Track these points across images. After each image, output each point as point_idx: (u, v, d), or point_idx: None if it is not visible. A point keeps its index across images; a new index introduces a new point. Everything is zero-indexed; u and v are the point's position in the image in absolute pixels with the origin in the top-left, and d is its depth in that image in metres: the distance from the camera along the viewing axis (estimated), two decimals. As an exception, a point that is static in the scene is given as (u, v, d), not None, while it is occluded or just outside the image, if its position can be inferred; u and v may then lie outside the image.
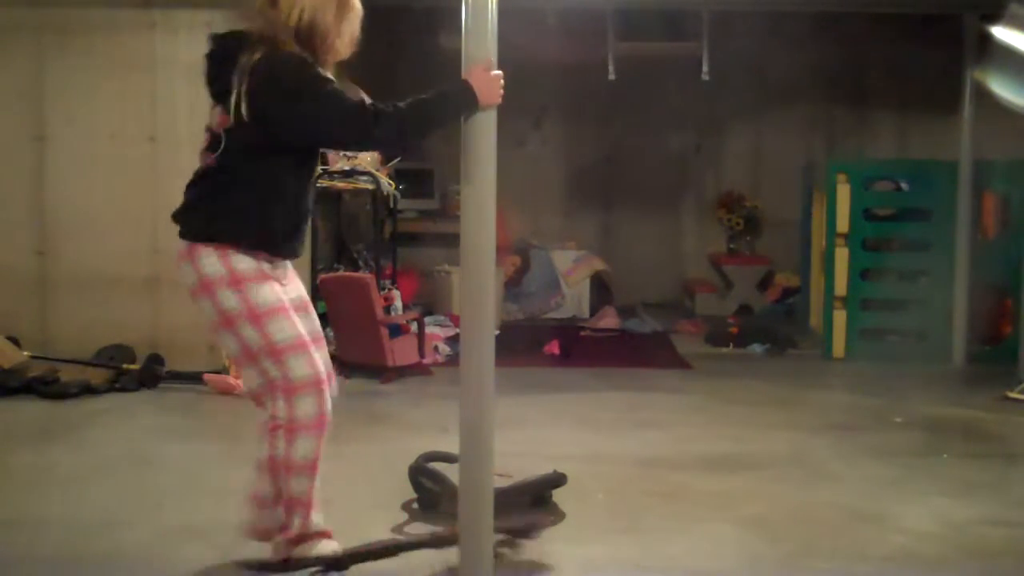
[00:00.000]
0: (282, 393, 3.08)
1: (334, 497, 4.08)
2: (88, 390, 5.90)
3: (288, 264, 3.27)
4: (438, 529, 3.49)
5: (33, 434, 5.19)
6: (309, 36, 3.21)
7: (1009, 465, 4.81)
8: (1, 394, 5.83)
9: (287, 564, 3.18)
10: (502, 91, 3.01)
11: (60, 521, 3.78)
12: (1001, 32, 6.12)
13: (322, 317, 6.73)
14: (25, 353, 6.14)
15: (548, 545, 3.58)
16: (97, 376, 6.06)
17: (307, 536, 3.17)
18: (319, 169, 3.16)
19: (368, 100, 3.14)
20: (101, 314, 6.54)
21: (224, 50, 3.30)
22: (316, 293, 6.72)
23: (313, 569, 3.19)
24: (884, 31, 8.90)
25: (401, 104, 3.03)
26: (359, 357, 6.56)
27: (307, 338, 3.15)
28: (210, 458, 4.69)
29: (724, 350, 7.83)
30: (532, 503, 3.90)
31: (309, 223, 3.23)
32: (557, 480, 3.96)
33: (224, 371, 6.21)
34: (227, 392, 6.00)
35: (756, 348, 7.74)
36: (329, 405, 3.15)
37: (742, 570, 3.41)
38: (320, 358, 3.18)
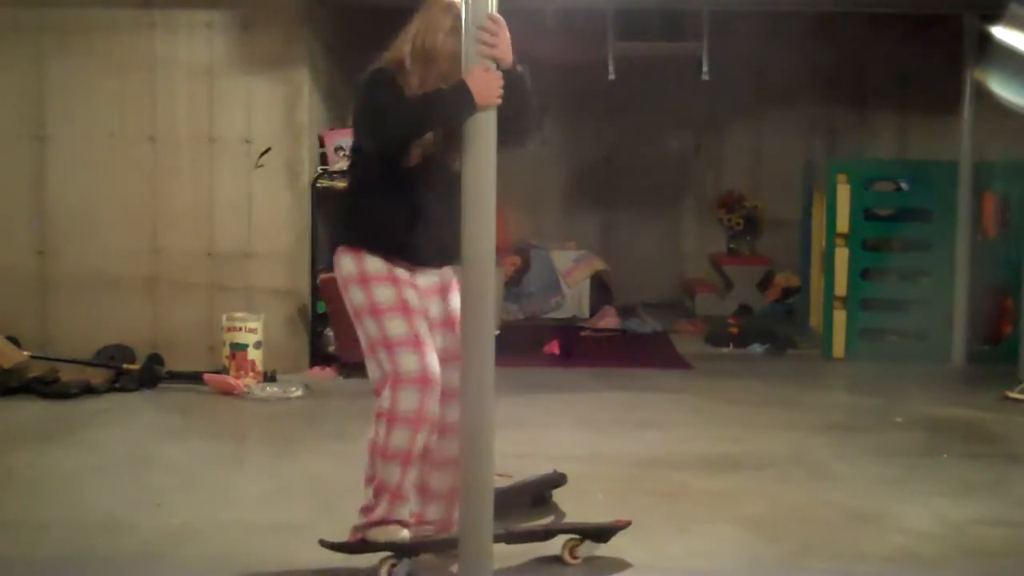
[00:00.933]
0: (390, 383, 3.25)
1: (334, 497, 4.09)
2: (88, 390, 5.90)
3: (437, 274, 3.39)
4: (509, 525, 3.50)
5: (33, 434, 5.19)
6: (423, 59, 3.27)
7: (1009, 465, 4.80)
8: (1, 394, 5.83)
9: (362, 545, 3.29)
10: (502, 92, 3.01)
11: (60, 521, 3.78)
12: (1001, 32, 6.12)
13: (322, 317, 6.77)
14: (25, 353, 6.14)
15: (548, 545, 3.57)
16: (97, 376, 6.06)
17: (387, 522, 3.28)
18: (449, 176, 3.20)
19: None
20: (101, 314, 6.54)
21: None
22: (316, 293, 6.72)
23: (384, 554, 3.25)
24: (884, 31, 8.89)
25: (404, 103, 3.15)
26: (359, 357, 6.53)
27: (424, 339, 3.25)
28: (210, 458, 4.69)
29: (724, 350, 7.83)
30: (532, 503, 3.91)
31: (445, 230, 3.18)
32: (557, 480, 3.96)
33: (224, 371, 6.21)
34: (227, 392, 6.00)
35: (756, 348, 7.74)
36: (431, 407, 3.24)
37: (742, 570, 3.41)
38: (434, 361, 3.25)
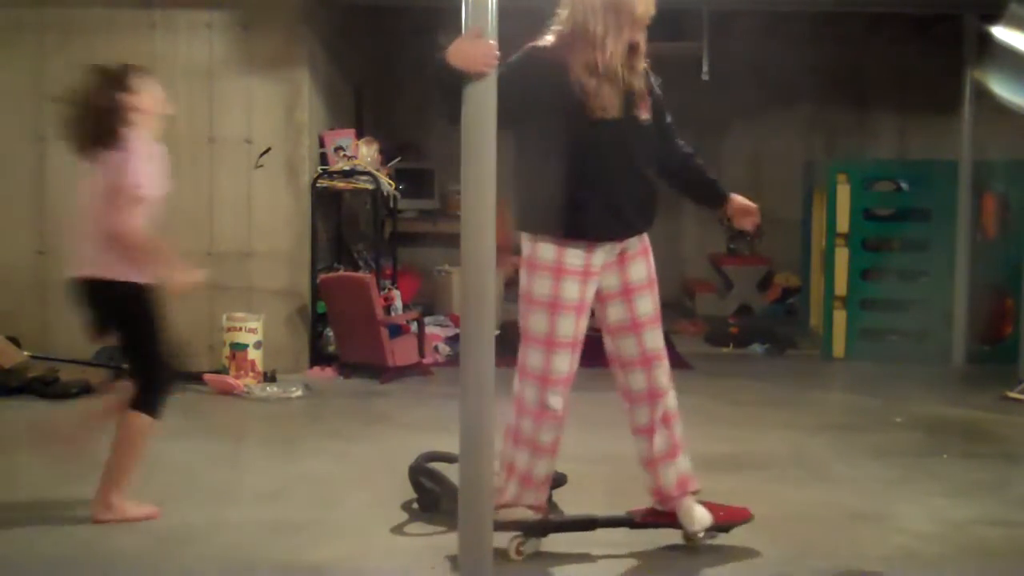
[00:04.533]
0: (517, 372, 3.40)
1: (335, 497, 4.10)
2: (88, 390, 5.89)
3: (618, 247, 3.39)
4: (633, 508, 3.59)
5: (33, 434, 5.18)
6: (582, 39, 3.26)
7: (1009, 465, 4.80)
8: (1, 394, 5.83)
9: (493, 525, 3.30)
10: (492, 59, 2.93)
11: (60, 521, 3.78)
12: (1001, 32, 6.11)
13: (322, 317, 6.78)
14: (25, 353, 6.14)
15: (548, 545, 3.58)
16: (97, 376, 6.06)
17: (518, 504, 3.38)
18: (602, 148, 3.29)
19: None
20: (101, 314, 6.53)
21: None
22: (316, 293, 6.73)
23: (515, 533, 3.36)
24: (884, 31, 8.89)
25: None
26: (359, 357, 6.56)
27: (560, 339, 3.31)
28: (210, 458, 4.69)
29: (724, 350, 7.83)
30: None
31: (623, 200, 3.33)
32: (557, 480, 3.96)
33: (224, 371, 6.21)
34: (227, 392, 6.01)
35: (756, 348, 7.74)
36: (554, 402, 3.33)
37: (742, 570, 3.41)
38: (562, 362, 3.33)
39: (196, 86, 6.60)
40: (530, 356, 3.36)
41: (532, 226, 3.36)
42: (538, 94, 3.23)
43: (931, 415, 5.72)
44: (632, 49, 3.31)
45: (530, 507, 3.42)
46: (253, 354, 6.25)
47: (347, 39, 7.72)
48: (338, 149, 6.93)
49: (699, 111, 9.51)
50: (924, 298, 7.56)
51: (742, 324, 8.29)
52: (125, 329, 4.06)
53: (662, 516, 3.52)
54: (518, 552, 3.36)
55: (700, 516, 3.46)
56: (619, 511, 3.68)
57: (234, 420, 5.61)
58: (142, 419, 3.85)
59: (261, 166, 6.64)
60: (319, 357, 6.75)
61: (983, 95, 6.84)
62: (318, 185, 6.77)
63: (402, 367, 6.52)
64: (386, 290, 6.98)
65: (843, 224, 7.43)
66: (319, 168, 6.84)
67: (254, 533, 3.66)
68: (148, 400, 3.88)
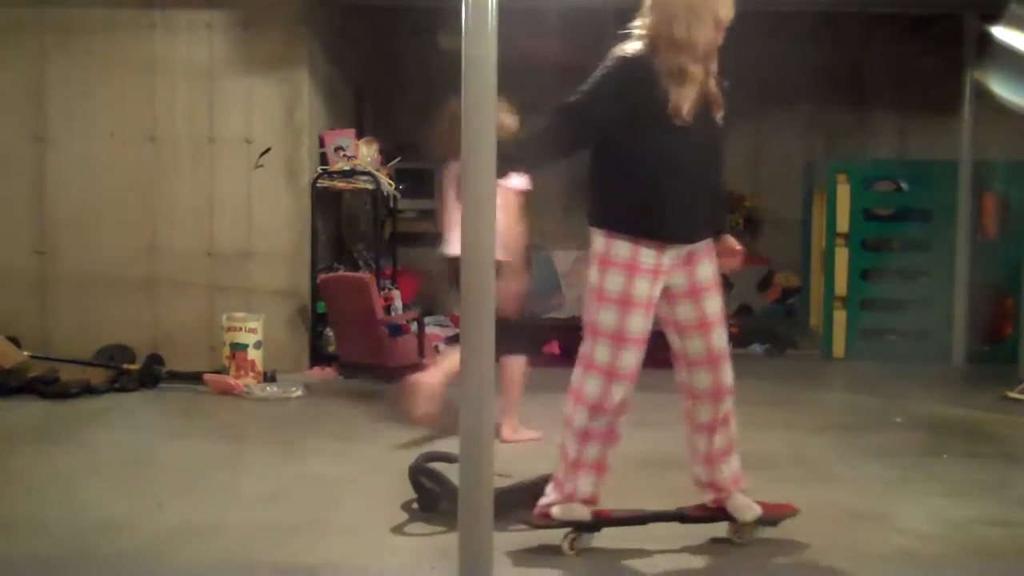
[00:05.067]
0: (583, 365, 3.43)
1: (335, 497, 4.09)
2: (88, 390, 5.90)
3: (686, 248, 3.41)
4: (683, 504, 3.64)
5: (33, 434, 5.19)
6: (666, 45, 3.34)
7: (1009, 465, 4.80)
8: (1, 394, 5.83)
9: (547, 520, 3.44)
10: None
11: (60, 521, 3.78)
12: (1001, 32, 6.11)
13: (322, 317, 6.78)
14: (25, 353, 6.14)
15: (548, 545, 3.58)
16: (97, 376, 6.07)
17: (573, 497, 3.43)
18: (683, 150, 3.35)
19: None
20: (101, 314, 6.54)
21: None
22: (316, 293, 6.73)
23: (568, 529, 3.41)
24: (884, 31, 8.89)
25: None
26: (359, 357, 6.55)
27: (629, 335, 3.36)
28: (210, 458, 4.69)
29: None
30: (532, 503, 3.90)
31: (694, 203, 3.37)
32: (557, 480, 3.95)
33: (224, 371, 6.21)
34: (227, 392, 6.01)
35: (756, 348, 7.74)
36: (616, 395, 3.40)
37: (742, 570, 3.41)
38: (629, 358, 3.38)
39: (196, 86, 6.61)
40: (598, 350, 3.40)
41: (608, 224, 3.39)
42: (629, 101, 3.30)
43: (931, 415, 5.72)
44: (712, 54, 3.39)
45: (585, 500, 3.46)
46: (253, 354, 6.25)
47: (347, 39, 7.72)
48: (338, 149, 6.93)
49: (699, 111, 9.54)
50: (924, 298, 7.56)
51: (742, 324, 8.28)
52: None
53: (712, 511, 3.60)
54: (572, 547, 3.42)
55: (752, 510, 3.56)
56: (622, 509, 3.68)
57: (234, 420, 5.61)
58: (515, 360, 4.90)
59: (261, 166, 6.64)
60: (319, 357, 6.75)
61: (983, 95, 6.85)
62: (318, 185, 6.77)
63: (402, 367, 6.52)
64: (386, 290, 6.98)
65: (843, 224, 7.44)
66: (319, 168, 6.84)
67: (254, 533, 3.66)
68: (515, 346, 4.78)
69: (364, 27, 8.28)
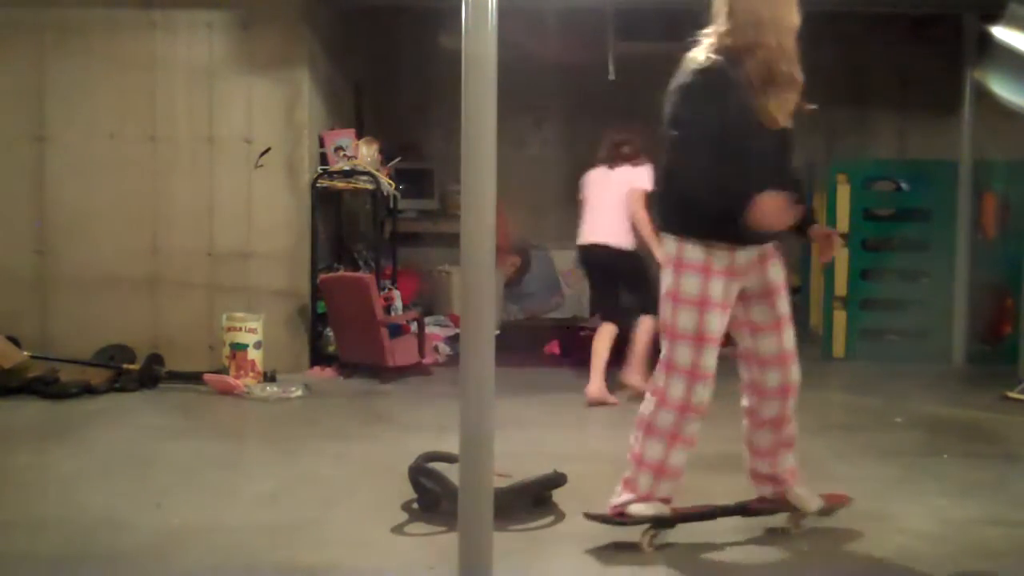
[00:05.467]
0: (664, 367, 3.49)
1: (334, 497, 4.09)
2: (88, 390, 5.90)
3: (757, 249, 3.48)
4: (744, 499, 3.74)
5: (33, 434, 5.19)
6: (748, 54, 3.49)
7: (1009, 465, 4.80)
8: (1, 394, 5.83)
9: (622, 518, 3.50)
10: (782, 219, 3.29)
11: (60, 521, 3.78)
12: (1001, 32, 6.11)
13: (322, 317, 6.77)
14: (25, 353, 6.14)
15: (548, 545, 3.58)
16: (97, 376, 6.07)
17: (650, 497, 3.49)
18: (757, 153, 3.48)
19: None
20: (101, 314, 6.54)
21: None
22: (316, 293, 6.73)
23: (645, 526, 3.47)
24: (884, 31, 8.88)
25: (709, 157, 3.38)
26: (359, 357, 6.56)
27: (708, 335, 3.41)
28: (210, 458, 4.69)
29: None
30: (532, 503, 3.90)
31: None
32: (557, 480, 3.96)
33: (224, 371, 6.21)
34: (227, 392, 6.01)
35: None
36: (701, 396, 3.45)
37: (742, 570, 3.41)
38: (709, 358, 3.44)
39: (196, 86, 6.61)
40: (678, 352, 3.45)
41: (680, 228, 3.45)
42: (720, 110, 3.37)
43: (931, 415, 5.72)
44: (794, 58, 3.51)
45: (662, 499, 3.51)
46: (253, 354, 6.25)
47: (347, 39, 7.72)
48: (338, 149, 6.93)
49: (699, 111, 9.54)
50: (924, 298, 7.56)
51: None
52: (628, 276, 6.03)
53: (772, 503, 3.69)
54: (650, 544, 3.48)
55: (816, 500, 3.68)
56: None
57: (234, 420, 5.62)
58: (650, 320, 5.72)
59: (261, 166, 6.64)
60: (319, 357, 6.75)
61: (983, 95, 6.85)
62: (318, 185, 6.77)
63: (402, 367, 6.52)
64: (386, 290, 6.98)
65: (843, 224, 7.43)
66: (319, 168, 6.84)
67: (254, 533, 3.66)
68: (650, 309, 5.37)
69: (364, 27, 8.28)
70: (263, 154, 6.62)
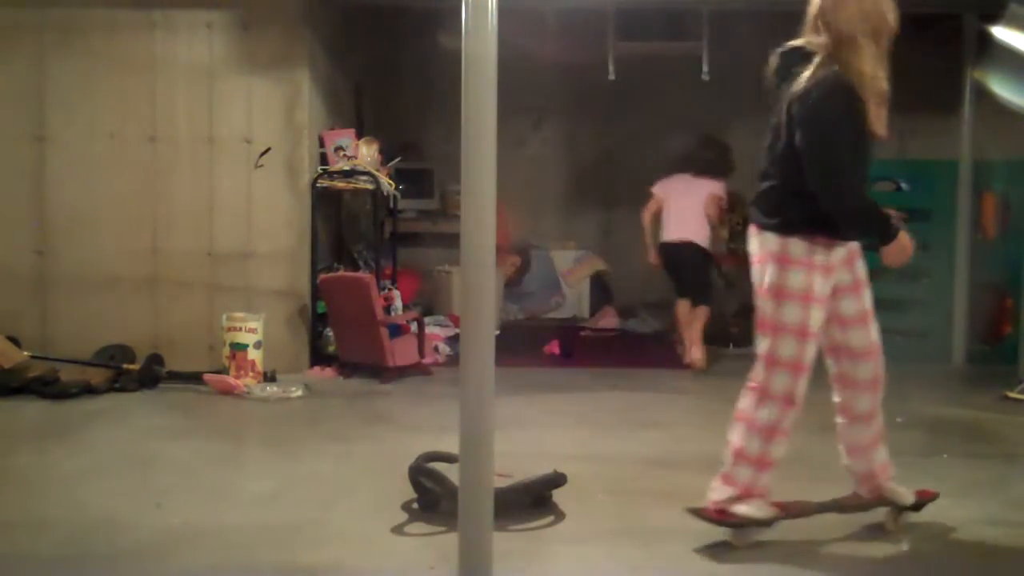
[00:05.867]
0: (766, 361, 3.56)
1: (335, 497, 4.09)
2: (88, 390, 5.90)
3: (846, 246, 3.58)
4: (846, 495, 3.78)
5: (33, 434, 5.19)
6: (854, 65, 3.70)
7: (1009, 465, 4.80)
8: (1, 394, 5.83)
9: (725, 516, 3.53)
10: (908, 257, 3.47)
11: (60, 521, 3.78)
12: (1001, 32, 6.11)
13: (322, 317, 6.78)
14: (25, 353, 6.14)
15: (548, 545, 3.58)
16: (97, 376, 6.07)
17: (752, 493, 3.53)
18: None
19: None
20: (101, 314, 6.54)
21: None
22: (316, 293, 6.73)
23: (741, 524, 3.52)
24: (884, 31, 8.87)
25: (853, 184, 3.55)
26: (359, 357, 6.56)
27: (811, 329, 3.49)
28: (210, 458, 4.69)
29: (724, 350, 7.83)
30: (532, 503, 3.90)
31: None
32: (557, 480, 3.96)
33: (224, 371, 6.21)
34: (227, 392, 6.01)
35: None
36: (800, 390, 3.53)
37: (742, 570, 3.41)
38: (811, 352, 3.51)
39: (196, 86, 6.61)
40: (782, 346, 3.52)
41: (784, 225, 3.53)
42: (853, 118, 3.53)
43: (931, 415, 5.72)
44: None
45: (760, 493, 3.56)
46: (253, 354, 6.25)
47: (347, 39, 7.72)
48: (338, 149, 6.93)
49: (699, 111, 9.54)
50: (924, 298, 7.55)
51: (742, 324, 8.28)
52: (698, 270, 7.17)
53: (866, 500, 3.76)
54: (741, 542, 3.53)
55: (909, 495, 3.74)
56: (619, 511, 3.68)
57: (234, 420, 5.62)
58: (706, 309, 7.08)
59: (261, 166, 6.64)
60: (319, 357, 6.76)
61: (983, 95, 6.84)
62: (318, 185, 6.77)
63: (402, 367, 6.52)
64: (386, 290, 6.98)
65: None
66: (319, 168, 6.84)
67: (254, 533, 3.66)
68: (707, 301, 7.10)
69: (364, 27, 8.28)
70: (263, 154, 6.62)
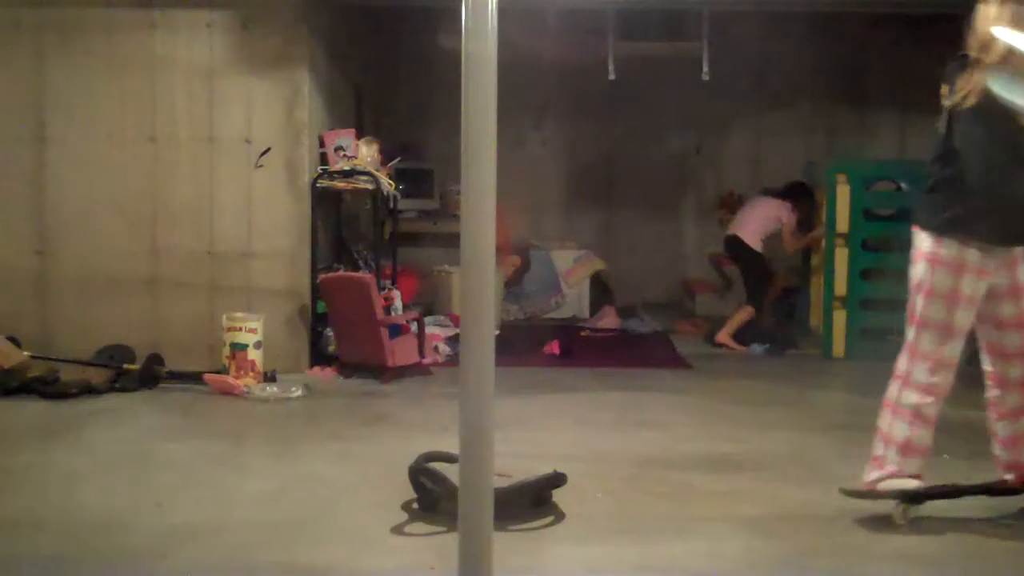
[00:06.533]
0: (909, 353, 3.82)
1: (334, 497, 4.10)
2: (88, 390, 5.90)
3: (1007, 252, 3.72)
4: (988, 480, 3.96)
5: (33, 434, 5.19)
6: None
7: (1009, 465, 4.80)
8: (1, 394, 5.83)
9: (873, 493, 3.79)
10: None
11: (60, 521, 3.78)
12: (1001, 32, 6.11)
13: (322, 317, 6.78)
14: (25, 353, 6.14)
15: (548, 545, 3.58)
16: (97, 376, 6.07)
17: (899, 474, 3.76)
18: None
19: None
20: (101, 314, 6.54)
21: None
22: (316, 293, 6.73)
23: (895, 501, 3.73)
24: (884, 31, 8.90)
25: None
26: (359, 357, 6.56)
27: (956, 327, 3.71)
28: (210, 458, 4.69)
29: (724, 350, 7.83)
30: (532, 503, 3.91)
31: (1018, 214, 3.68)
32: (557, 480, 3.96)
33: (224, 371, 6.21)
34: (227, 392, 6.01)
35: (756, 348, 7.74)
36: (939, 383, 3.76)
37: (742, 570, 3.41)
38: (954, 348, 3.72)
39: (196, 86, 6.61)
40: (924, 340, 3.76)
41: (938, 227, 3.70)
42: (1018, 125, 3.62)
43: (931, 415, 5.71)
44: None
45: (912, 476, 3.76)
46: (253, 354, 6.25)
47: (347, 39, 7.72)
48: (338, 149, 6.93)
49: (699, 111, 9.55)
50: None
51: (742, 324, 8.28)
52: (743, 266, 8.11)
53: (1013, 486, 3.93)
54: (903, 517, 3.74)
55: None
56: (619, 511, 3.68)
57: (234, 420, 5.62)
58: (748, 307, 7.96)
59: (261, 166, 6.64)
60: (319, 357, 6.75)
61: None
62: (318, 185, 6.77)
63: (402, 367, 6.52)
64: (386, 290, 6.98)
65: (843, 224, 7.44)
66: (319, 168, 6.84)
67: (254, 533, 3.67)
68: (750, 299, 8.01)
69: (364, 27, 8.29)
70: (263, 154, 6.63)
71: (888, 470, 3.78)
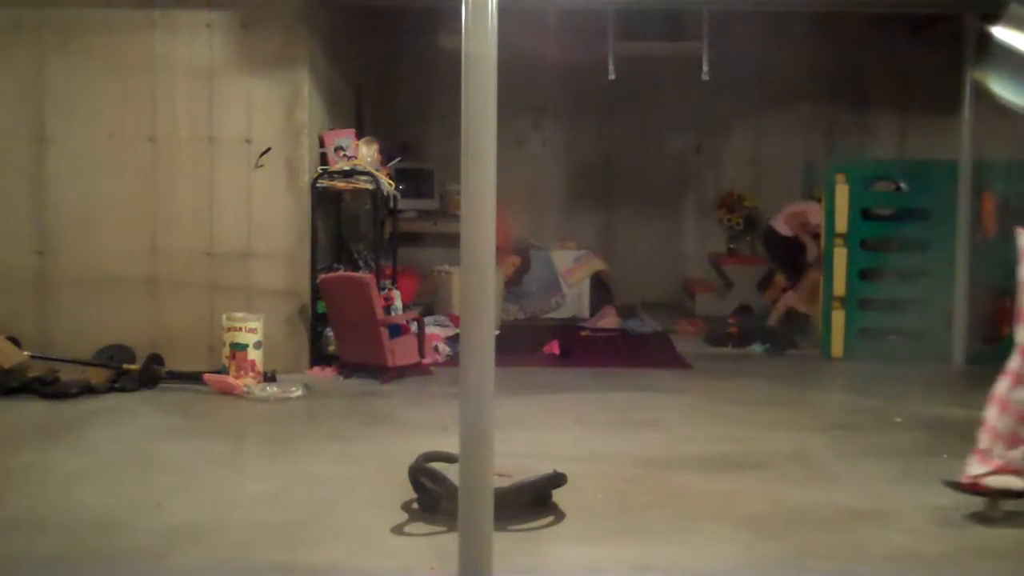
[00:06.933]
0: (1020, 351, 3.88)
1: (334, 497, 4.10)
2: (88, 390, 5.90)
3: None
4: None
5: (33, 434, 5.19)
6: None
7: (1009, 465, 4.80)
8: (1, 394, 5.83)
9: (976, 488, 3.81)
10: None
11: (60, 521, 3.78)
12: (1001, 32, 6.11)
13: (322, 317, 6.78)
14: (25, 353, 6.14)
15: (548, 545, 3.58)
16: (97, 376, 6.06)
17: (1006, 469, 3.78)
18: None
19: None
20: (101, 314, 6.54)
21: None
22: (316, 293, 6.73)
23: (996, 495, 3.79)
24: (884, 31, 8.89)
25: None
26: (359, 357, 6.56)
27: None
28: (210, 458, 4.69)
29: (724, 350, 7.83)
30: (532, 503, 3.90)
31: None
32: (557, 480, 3.96)
33: (224, 371, 6.21)
34: (227, 392, 6.01)
35: (756, 348, 7.74)
36: None
37: (742, 570, 3.41)
38: None
39: (196, 86, 6.61)
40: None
41: None
42: None
43: (931, 415, 5.72)
44: None
45: (1016, 472, 3.78)
46: (253, 354, 6.25)
47: (347, 39, 7.72)
48: (338, 149, 6.93)
49: (699, 111, 9.55)
50: (924, 298, 7.55)
51: (742, 324, 8.29)
52: (791, 258, 8.24)
53: None
54: (998, 511, 3.82)
55: None
56: (619, 511, 3.67)
57: (234, 420, 5.61)
58: (793, 295, 8.18)
59: (261, 166, 6.64)
60: (319, 357, 6.75)
61: (983, 95, 6.84)
62: (318, 185, 6.77)
63: (402, 367, 6.52)
64: (386, 290, 6.98)
65: (842, 224, 7.43)
66: (319, 168, 6.84)
67: (254, 533, 3.67)
68: (797, 286, 8.21)
69: (364, 27, 8.28)
70: (263, 154, 6.62)
71: (994, 464, 3.80)
